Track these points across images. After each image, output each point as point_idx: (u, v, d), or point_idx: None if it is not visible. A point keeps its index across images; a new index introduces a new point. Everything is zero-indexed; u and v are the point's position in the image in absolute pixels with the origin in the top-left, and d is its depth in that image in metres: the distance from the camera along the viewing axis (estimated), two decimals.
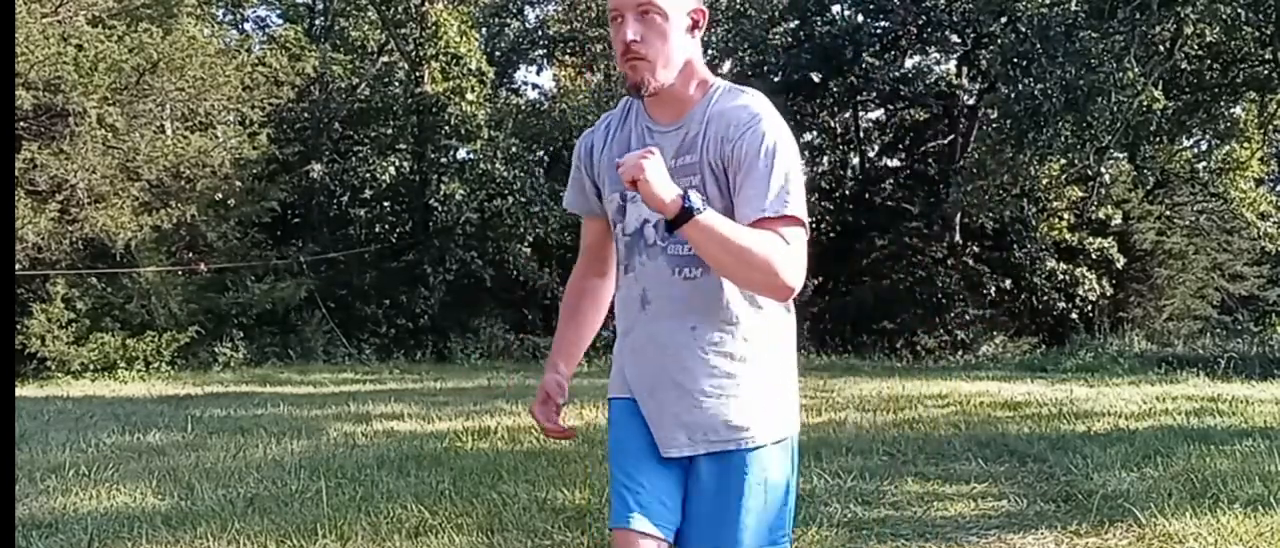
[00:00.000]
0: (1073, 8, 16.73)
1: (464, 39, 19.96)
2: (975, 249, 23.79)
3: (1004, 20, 19.90)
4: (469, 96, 19.74)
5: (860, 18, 23.80)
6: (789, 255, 1.73)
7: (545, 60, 26.91)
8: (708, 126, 1.82)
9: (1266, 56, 17.37)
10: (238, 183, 16.56)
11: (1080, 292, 23.36)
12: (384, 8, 20.77)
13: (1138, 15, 15.39)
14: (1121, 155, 23.45)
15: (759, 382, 1.86)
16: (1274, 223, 25.21)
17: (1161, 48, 17.29)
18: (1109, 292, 23.80)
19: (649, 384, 1.88)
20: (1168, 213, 24.87)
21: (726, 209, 1.77)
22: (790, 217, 1.76)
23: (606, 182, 1.94)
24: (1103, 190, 23.12)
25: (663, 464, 1.86)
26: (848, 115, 26.66)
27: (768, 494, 1.85)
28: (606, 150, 1.95)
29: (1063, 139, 16.52)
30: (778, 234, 1.73)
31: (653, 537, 1.81)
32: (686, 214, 1.66)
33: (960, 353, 21.42)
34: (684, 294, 1.83)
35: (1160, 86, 15.98)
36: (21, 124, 13.60)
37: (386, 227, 23.62)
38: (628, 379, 1.93)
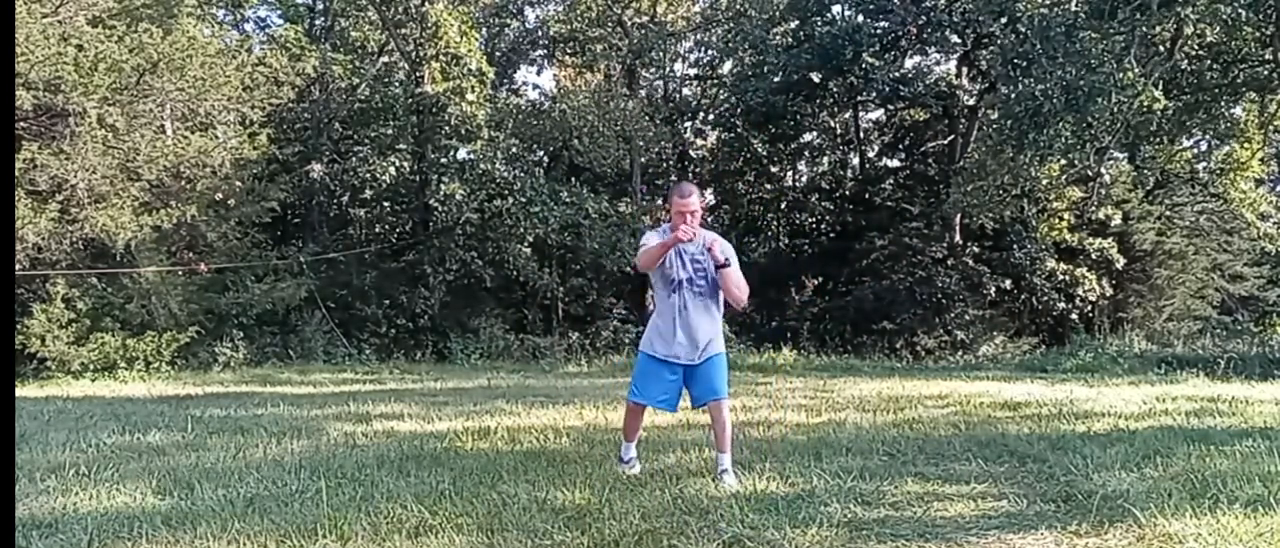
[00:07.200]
0: (1073, 8, 16.70)
1: (464, 39, 19.93)
2: (975, 249, 23.78)
3: (1004, 20, 19.87)
4: (469, 97, 19.71)
5: (860, 18, 23.76)
6: (745, 285, 5.00)
7: (545, 60, 26.90)
8: (703, 244, 4.88)
9: (1266, 56, 17.36)
10: (238, 183, 16.54)
11: (1080, 292, 23.36)
12: (384, 8, 20.73)
13: (1138, 15, 15.36)
14: (1121, 156, 23.46)
15: (717, 333, 4.99)
16: (1274, 223, 25.20)
17: (1162, 48, 17.27)
18: (1109, 292, 23.81)
19: (686, 338, 4.88)
20: (1168, 213, 24.88)
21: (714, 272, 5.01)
22: (740, 274, 5.02)
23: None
24: (1103, 191, 23.12)
25: (665, 377, 4.96)
26: (848, 115, 26.66)
27: (722, 370, 4.97)
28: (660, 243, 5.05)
29: (1063, 139, 16.48)
30: (743, 276, 5.02)
31: (642, 409, 5.13)
32: (727, 264, 4.89)
33: (960, 353, 21.42)
34: (697, 302, 4.92)
35: (1160, 87, 15.94)
36: (21, 124, 13.60)
37: (386, 227, 23.62)
38: (662, 341, 4.95)
